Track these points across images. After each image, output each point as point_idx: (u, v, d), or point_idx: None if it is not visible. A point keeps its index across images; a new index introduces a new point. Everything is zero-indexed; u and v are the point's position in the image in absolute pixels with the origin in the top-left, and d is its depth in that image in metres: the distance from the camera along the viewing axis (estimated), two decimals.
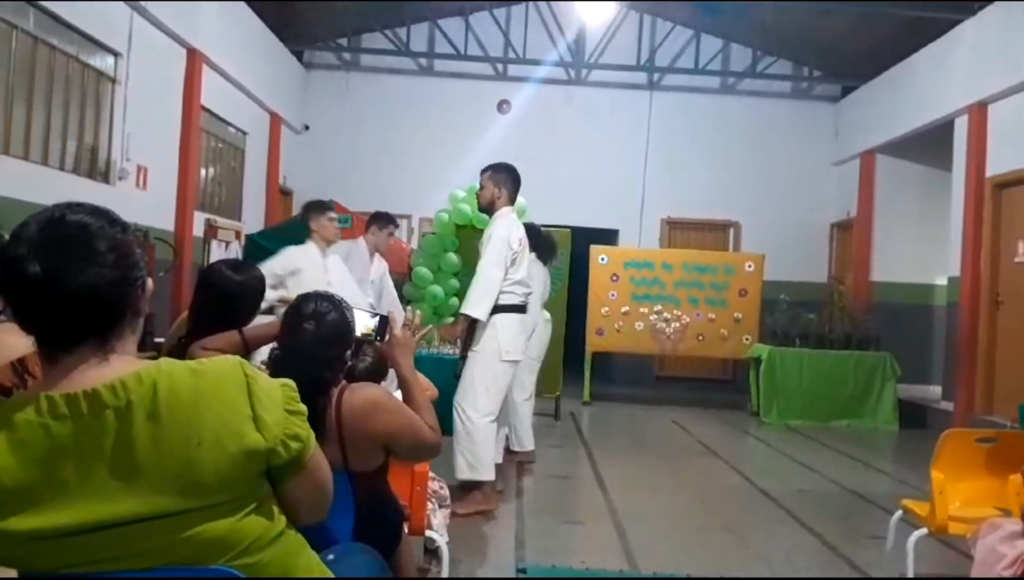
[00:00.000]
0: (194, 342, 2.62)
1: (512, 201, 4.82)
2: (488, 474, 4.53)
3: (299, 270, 5.13)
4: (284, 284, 5.10)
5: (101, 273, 1.23)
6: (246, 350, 2.44)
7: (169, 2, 7.45)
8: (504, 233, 4.58)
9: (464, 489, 4.53)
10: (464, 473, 4.51)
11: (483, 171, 4.88)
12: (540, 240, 5.96)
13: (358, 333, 2.32)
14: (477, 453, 4.49)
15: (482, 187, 4.84)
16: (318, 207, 5.44)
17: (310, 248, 5.31)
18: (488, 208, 4.82)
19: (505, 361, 4.57)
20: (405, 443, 2.22)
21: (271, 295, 4.98)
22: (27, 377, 1.93)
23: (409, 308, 5.37)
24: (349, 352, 2.23)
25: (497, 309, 4.53)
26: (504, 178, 4.79)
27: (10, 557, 1.21)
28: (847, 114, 11.82)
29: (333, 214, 5.44)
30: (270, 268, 4.94)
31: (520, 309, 4.68)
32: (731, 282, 9.46)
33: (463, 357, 4.71)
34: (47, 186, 5.85)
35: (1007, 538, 2.85)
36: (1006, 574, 2.76)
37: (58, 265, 1.20)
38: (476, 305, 4.48)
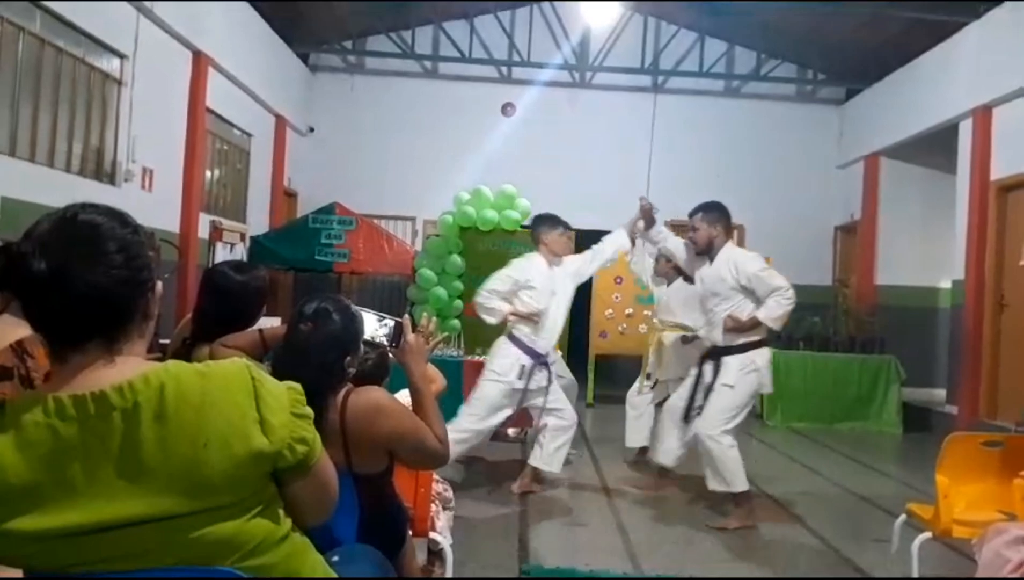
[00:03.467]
0: (199, 343, 2.63)
1: (730, 234, 4.90)
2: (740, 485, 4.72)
3: (531, 282, 5.15)
4: (518, 296, 5.14)
5: (109, 273, 1.24)
6: (265, 350, 2.44)
7: (175, 4, 7.47)
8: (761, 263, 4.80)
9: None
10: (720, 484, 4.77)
11: (692, 213, 4.91)
12: None
13: (369, 337, 2.30)
14: (729, 467, 4.70)
15: (696, 229, 4.86)
16: (551, 221, 5.37)
17: (538, 260, 5.27)
18: (707, 249, 4.84)
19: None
20: (409, 449, 2.20)
21: (503, 308, 5.08)
22: (27, 357, 1.95)
23: (424, 314, 5.46)
24: (350, 358, 2.17)
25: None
26: (717, 216, 4.85)
27: (16, 557, 1.22)
28: (851, 117, 11.81)
29: (564, 230, 5.40)
30: (502, 280, 5.12)
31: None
32: None
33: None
34: (53, 188, 5.87)
35: (1012, 542, 2.85)
36: (1011, 577, 2.76)
37: (65, 263, 1.21)
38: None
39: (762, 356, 4.79)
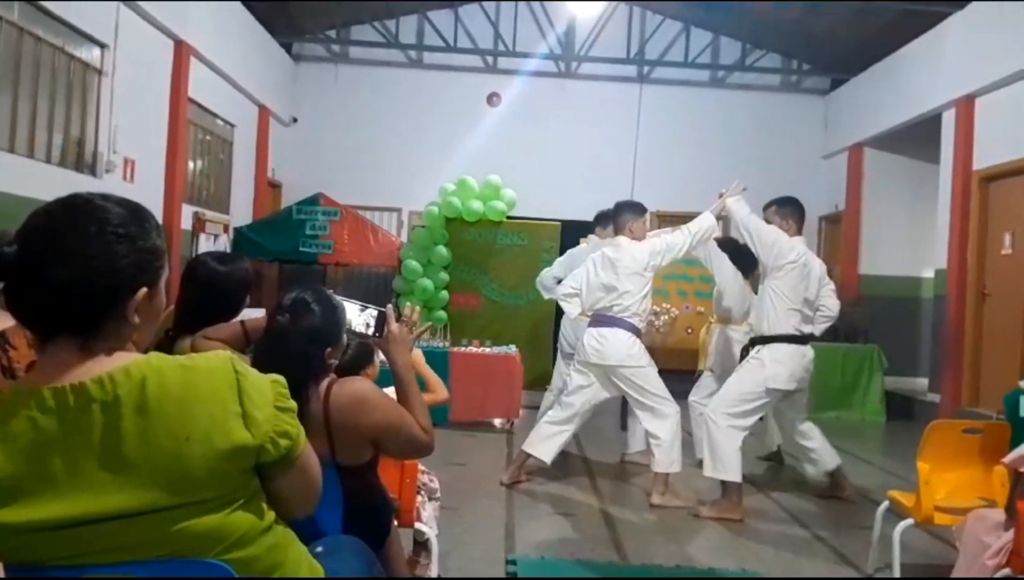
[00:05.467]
0: (181, 335, 2.61)
1: (800, 231, 5.01)
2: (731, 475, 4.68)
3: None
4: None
5: (77, 268, 1.22)
6: (247, 342, 2.42)
7: None
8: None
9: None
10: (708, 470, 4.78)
11: (766, 207, 5.07)
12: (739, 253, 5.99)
13: (352, 327, 2.28)
14: (720, 452, 4.70)
15: (768, 221, 4.99)
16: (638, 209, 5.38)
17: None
18: None
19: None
20: (393, 441, 2.18)
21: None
22: (8, 348, 1.95)
23: (408, 303, 5.44)
24: (331, 349, 2.14)
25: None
26: (790, 211, 5.00)
27: None
28: (836, 107, 11.86)
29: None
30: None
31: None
32: None
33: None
34: (32, 179, 5.80)
35: (992, 528, 2.89)
36: (991, 563, 2.80)
37: (35, 250, 1.21)
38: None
39: (773, 351, 4.81)
